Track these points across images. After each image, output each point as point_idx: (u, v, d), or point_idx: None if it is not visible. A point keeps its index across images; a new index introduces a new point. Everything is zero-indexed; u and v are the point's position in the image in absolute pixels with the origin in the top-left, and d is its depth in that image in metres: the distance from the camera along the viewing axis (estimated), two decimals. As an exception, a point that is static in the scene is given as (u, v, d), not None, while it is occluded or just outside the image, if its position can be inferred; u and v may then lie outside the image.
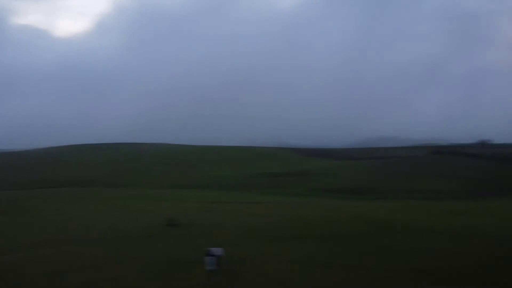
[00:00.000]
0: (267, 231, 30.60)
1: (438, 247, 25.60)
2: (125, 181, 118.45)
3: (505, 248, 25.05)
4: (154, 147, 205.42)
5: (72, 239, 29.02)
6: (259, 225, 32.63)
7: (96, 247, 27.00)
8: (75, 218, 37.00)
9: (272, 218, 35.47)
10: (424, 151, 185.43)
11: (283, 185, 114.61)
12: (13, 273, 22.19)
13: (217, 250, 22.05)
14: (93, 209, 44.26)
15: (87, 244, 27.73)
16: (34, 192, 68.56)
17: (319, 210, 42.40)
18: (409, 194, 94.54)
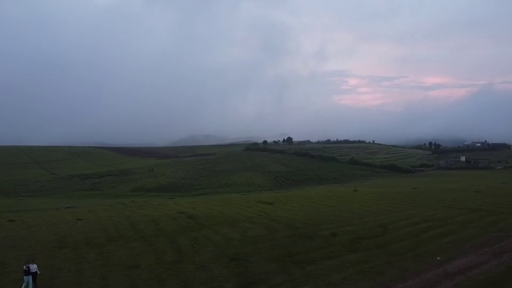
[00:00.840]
0: (87, 236, 28.89)
1: (248, 234, 28.94)
2: None
3: (296, 230, 30.00)
4: None
5: None
6: (77, 231, 30.39)
7: None
8: None
9: (92, 222, 33.42)
10: (239, 148, 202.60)
11: (103, 187, 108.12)
12: None
13: (33, 267, 20.57)
14: None
15: None
16: None
17: (144, 210, 41.92)
18: (226, 188, 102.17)
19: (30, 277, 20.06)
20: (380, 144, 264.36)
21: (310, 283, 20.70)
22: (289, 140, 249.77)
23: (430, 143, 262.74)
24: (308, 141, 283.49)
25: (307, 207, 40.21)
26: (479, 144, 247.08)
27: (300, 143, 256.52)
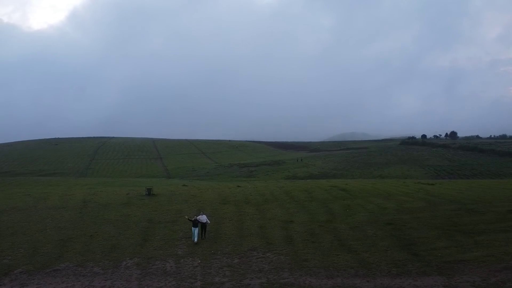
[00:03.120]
0: (246, 197, 31.35)
1: (405, 206, 27.05)
2: (92, 171, 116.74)
3: (462, 205, 26.49)
4: (124, 141, 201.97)
5: (51, 207, 28.91)
6: (237, 193, 33.30)
7: (74, 212, 27.04)
8: (51, 194, 36.40)
9: (250, 189, 36.17)
10: (394, 143, 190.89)
11: (259, 174, 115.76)
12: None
13: (203, 218, 21.68)
14: (65, 189, 43.06)
15: (65, 210, 27.67)
16: (5, 179, 66.51)
17: (299, 184, 43.10)
18: (380, 179, 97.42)
19: (197, 229, 20.87)
20: None
21: (482, 251, 18.23)
22: (452, 135, 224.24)
23: None
24: (477, 137, 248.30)
25: (475, 188, 35.38)
26: None
27: (467, 138, 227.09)
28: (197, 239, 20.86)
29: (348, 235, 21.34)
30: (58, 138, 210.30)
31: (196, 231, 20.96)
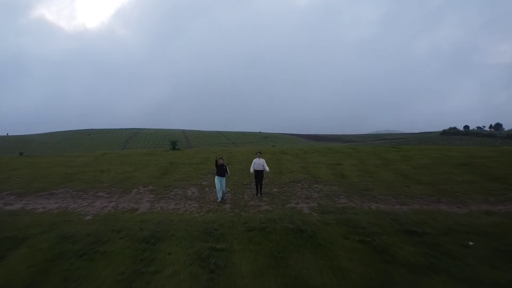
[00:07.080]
0: (282, 150, 27.68)
1: (474, 154, 22.34)
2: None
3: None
4: (155, 132, 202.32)
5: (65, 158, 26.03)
6: (273, 149, 29.60)
7: (88, 159, 24.08)
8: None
9: (286, 147, 32.34)
10: (434, 134, 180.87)
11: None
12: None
13: (260, 162, 13.34)
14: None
15: (80, 158, 24.73)
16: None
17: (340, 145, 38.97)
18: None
19: (223, 181, 12.60)
20: None
21: None
22: (497, 126, 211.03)
23: None
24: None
25: None
26: None
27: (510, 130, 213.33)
28: (221, 198, 12.42)
29: (414, 172, 17.02)
30: (92, 129, 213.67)
31: (222, 183, 12.46)
